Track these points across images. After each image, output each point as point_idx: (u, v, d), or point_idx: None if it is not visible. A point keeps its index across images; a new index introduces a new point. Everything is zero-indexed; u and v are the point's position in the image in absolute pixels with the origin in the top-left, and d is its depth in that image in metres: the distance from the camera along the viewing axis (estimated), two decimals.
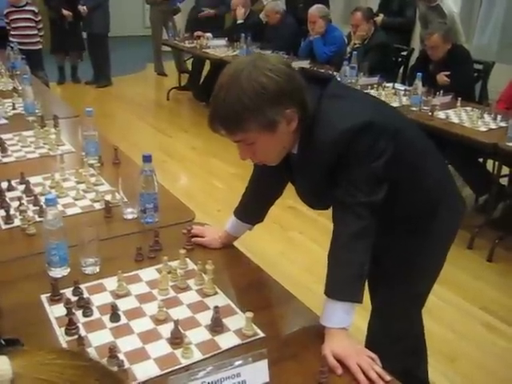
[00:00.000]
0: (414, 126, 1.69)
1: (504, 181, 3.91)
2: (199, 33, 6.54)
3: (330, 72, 4.79)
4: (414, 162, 1.57)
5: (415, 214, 1.62)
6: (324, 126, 1.37)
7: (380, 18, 5.67)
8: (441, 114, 3.74)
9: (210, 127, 1.36)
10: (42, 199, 1.88)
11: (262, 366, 1.13)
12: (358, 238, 1.37)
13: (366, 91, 3.43)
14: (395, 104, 3.88)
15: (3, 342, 1.11)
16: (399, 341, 1.75)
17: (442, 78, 4.27)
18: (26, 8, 6.15)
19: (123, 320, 1.39)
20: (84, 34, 7.45)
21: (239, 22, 6.46)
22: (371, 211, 1.38)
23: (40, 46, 6.31)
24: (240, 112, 1.28)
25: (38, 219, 1.85)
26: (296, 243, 3.62)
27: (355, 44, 5.05)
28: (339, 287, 1.36)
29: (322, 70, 4.92)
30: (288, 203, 3.51)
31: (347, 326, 1.34)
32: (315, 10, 5.45)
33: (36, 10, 6.24)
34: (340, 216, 1.41)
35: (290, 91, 1.31)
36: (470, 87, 4.43)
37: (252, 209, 1.78)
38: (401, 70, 5.35)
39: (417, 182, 1.59)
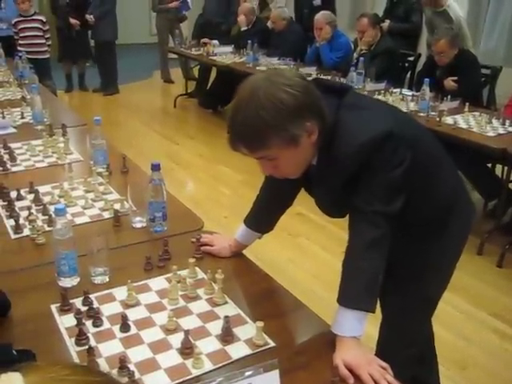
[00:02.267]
0: (429, 133, 1.68)
1: None
2: (206, 40, 6.57)
3: (337, 78, 4.78)
4: (429, 169, 1.56)
5: (428, 220, 1.61)
6: (344, 136, 1.36)
7: (386, 23, 5.67)
8: (448, 120, 3.72)
9: (230, 147, 1.35)
10: (51, 208, 1.89)
11: (274, 376, 1.12)
12: (373, 246, 1.36)
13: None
14: (402, 110, 3.86)
15: (15, 353, 1.11)
16: (409, 347, 1.73)
17: (450, 83, 4.25)
18: (35, 17, 6.19)
19: (133, 330, 1.38)
20: (91, 42, 7.50)
21: (243, 29, 6.48)
22: (387, 220, 1.37)
23: (48, 55, 6.35)
24: (262, 129, 1.27)
25: (47, 229, 1.85)
26: (304, 249, 3.61)
27: (362, 50, 5.05)
28: (352, 296, 1.35)
29: (329, 77, 4.92)
30: (295, 210, 3.47)
31: (359, 334, 1.33)
32: (321, 16, 5.45)
33: (44, 20, 6.28)
34: (356, 224, 1.41)
35: (308, 104, 1.31)
36: (478, 92, 4.42)
37: (263, 218, 1.77)
38: (408, 76, 5.34)
39: (431, 188, 1.58)
